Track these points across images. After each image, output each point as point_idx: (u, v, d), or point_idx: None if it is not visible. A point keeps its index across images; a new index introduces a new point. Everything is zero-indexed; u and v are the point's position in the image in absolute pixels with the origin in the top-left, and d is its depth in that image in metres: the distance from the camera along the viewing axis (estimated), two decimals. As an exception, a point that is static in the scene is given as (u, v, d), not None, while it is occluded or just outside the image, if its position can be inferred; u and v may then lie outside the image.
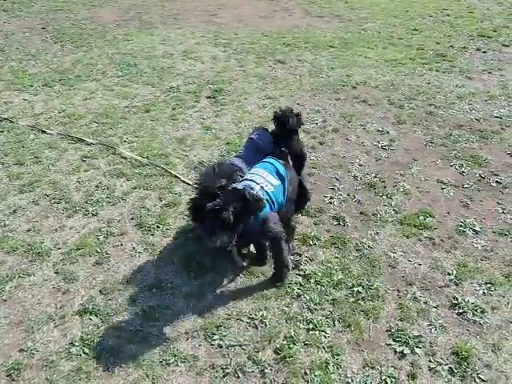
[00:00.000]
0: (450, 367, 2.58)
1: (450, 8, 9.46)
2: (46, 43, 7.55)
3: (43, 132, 4.89)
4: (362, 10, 9.47)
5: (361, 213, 3.74)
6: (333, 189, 4.04)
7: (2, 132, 4.92)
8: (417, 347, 2.68)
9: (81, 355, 2.66)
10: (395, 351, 2.67)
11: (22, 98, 5.71)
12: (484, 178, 4.16)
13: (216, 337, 2.75)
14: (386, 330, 2.79)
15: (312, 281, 3.11)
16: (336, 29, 8.29)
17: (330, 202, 3.87)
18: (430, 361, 2.62)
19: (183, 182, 4.10)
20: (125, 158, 4.43)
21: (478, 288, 3.05)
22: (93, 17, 8.92)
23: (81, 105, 5.53)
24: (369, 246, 3.40)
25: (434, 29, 8.24)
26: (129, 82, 6.14)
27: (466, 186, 4.06)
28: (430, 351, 2.67)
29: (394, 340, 2.73)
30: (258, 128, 3.82)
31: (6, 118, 5.14)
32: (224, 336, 2.76)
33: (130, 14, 9.12)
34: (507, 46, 7.39)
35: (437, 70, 6.48)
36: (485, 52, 7.14)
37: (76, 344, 2.71)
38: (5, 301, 3.00)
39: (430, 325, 2.82)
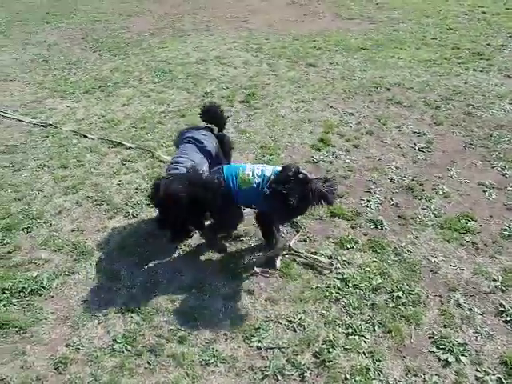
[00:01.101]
0: (499, 377, 2.51)
1: (486, 5, 9.21)
2: (85, 52, 7.77)
3: (85, 137, 5.03)
4: (393, 10, 9.35)
5: (399, 216, 3.69)
6: (369, 192, 4.00)
7: (47, 137, 5.10)
8: (462, 355, 2.62)
9: (123, 352, 2.73)
10: (439, 359, 2.62)
11: (65, 104, 5.90)
12: (529, 179, 4.04)
13: (255, 339, 2.77)
14: (429, 337, 2.74)
15: (350, 285, 3.09)
16: (367, 31, 8.22)
17: (367, 206, 3.83)
18: (476, 370, 2.55)
19: None
20: (162, 162, 4.50)
21: (526, 294, 2.96)
22: (129, 26, 9.14)
23: (119, 110, 5.67)
24: (408, 250, 3.35)
25: (469, 27, 8.05)
26: (164, 88, 6.25)
27: (509, 188, 3.95)
28: (477, 360, 2.60)
29: (438, 347, 2.68)
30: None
31: (50, 124, 5.33)
32: (263, 338, 2.77)
33: (163, 22, 9.29)
34: (548, 42, 7.15)
35: (474, 70, 6.34)
36: (524, 49, 6.92)
37: (119, 341, 2.78)
38: (52, 297, 3.11)
39: (476, 332, 2.75)
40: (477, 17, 8.60)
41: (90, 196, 4.09)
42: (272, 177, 3.03)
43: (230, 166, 3.34)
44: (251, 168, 3.13)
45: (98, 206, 3.96)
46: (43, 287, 3.16)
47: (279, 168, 3.07)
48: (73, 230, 3.69)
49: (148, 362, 2.66)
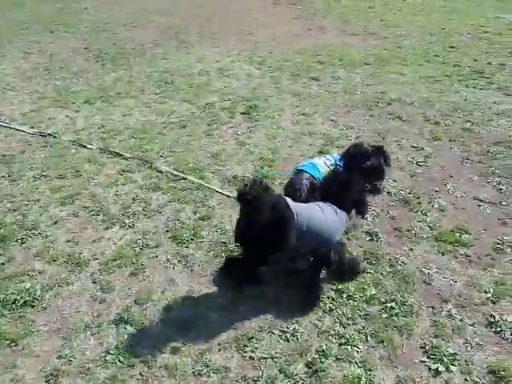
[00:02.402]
0: (487, 387, 2.51)
1: (488, 25, 9.33)
2: (88, 62, 7.88)
3: (84, 147, 5.08)
4: (398, 27, 9.47)
5: (395, 229, 3.71)
6: (366, 205, 4.02)
7: (46, 147, 5.13)
8: (452, 365, 2.63)
9: (116, 363, 2.71)
10: (429, 368, 2.63)
11: (65, 114, 5.96)
12: (524, 195, 4.07)
13: (248, 348, 2.77)
14: (420, 347, 2.75)
15: (344, 295, 3.09)
16: (371, 46, 8.32)
17: (363, 217, 3.84)
18: (465, 379, 2.56)
19: (219, 193, 4.19)
20: (161, 172, 4.55)
21: (516, 307, 2.97)
22: (133, 37, 9.27)
23: (120, 121, 5.73)
24: (403, 262, 3.36)
25: (471, 46, 8.14)
26: (166, 98, 6.32)
27: (504, 203, 3.97)
28: (466, 369, 2.61)
29: (429, 357, 2.68)
30: None
31: (49, 134, 5.36)
32: (256, 348, 2.77)
33: (168, 33, 9.42)
34: (548, 62, 7.22)
35: (474, 87, 6.40)
36: (524, 69, 7.00)
37: (111, 352, 2.77)
38: (45, 309, 3.09)
39: (466, 343, 2.76)
40: (479, 36, 8.69)
41: (86, 206, 4.11)
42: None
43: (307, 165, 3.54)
44: (321, 161, 3.55)
45: (94, 217, 3.97)
46: (36, 299, 3.15)
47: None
48: (68, 241, 3.70)
49: (141, 373, 2.65)
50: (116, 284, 3.27)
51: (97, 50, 8.44)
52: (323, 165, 3.57)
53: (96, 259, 3.50)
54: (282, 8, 11.56)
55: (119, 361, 2.73)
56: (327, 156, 3.76)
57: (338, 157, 3.67)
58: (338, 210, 3.03)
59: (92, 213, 4.02)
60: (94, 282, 3.29)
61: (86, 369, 2.69)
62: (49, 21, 10.52)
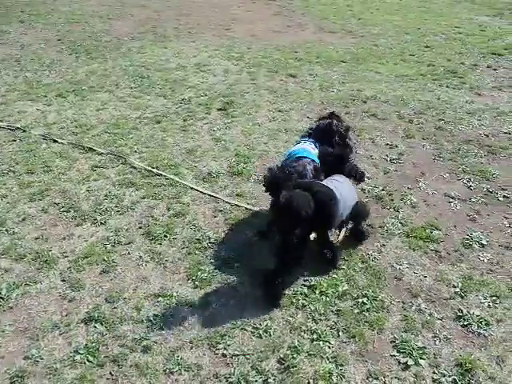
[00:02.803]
0: (454, 379, 2.56)
1: (462, 26, 9.49)
2: (61, 54, 7.72)
3: (55, 141, 4.97)
4: (375, 26, 9.55)
5: (367, 225, 3.74)
6: (340, 201, 4.04)
7: (15, 141, 5.01)
8: (421, 358, 2.67)
9: (85, 363, 2.66)
10: (399, 362, 2.66)
11: (36, 107, 5.83)
12: (491, 192, 4.15)
13: (220, 346, 2.76)
14: (391, 341, 2.78)
15: (317, 291, 3.11)
16: (348, 44, 8.37)
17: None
18: (433, 372, 2.61)
19: (195, 189, 4.16)
20: (135, 168, 4.49)
21: (483, 301, 3.04)
22: (108, 29, 9.12)
23: (93, 115, 5.63)
24: (375, 258, 3.39)
25: (445, 46, 8.27)
26: (141, 93, 6.24)
27: (473, 199, 4.05)
28: (434, 363, 2.65)
29: (398, 351, 2.72)
30: None
31: (18, 128, 5.22)
32: (228, 345, 2.76)
33: (145, 27, 9.30)
34: (518, 63, 7.40)
35: (447, 86, 6.50)
36: (495, 69, 7.17)
37: (80, 352, 2.72)
38: (11, 308, 3.02)
39: (435, 336, 2.81)
40: (453, 36, 8.84)
41: (56, 202, 4.02)
42: None
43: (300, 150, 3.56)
44: (306, 145, 3.60)
45: (64, 213, 3.90)
46: (2, 298, 3.07)
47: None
48: (37, 238, 3.61)
49: (110, 373, 2.62)
50: (86, 282, 3.21)
51: (70, 42, 8.27)
52: (310, 149, 3.59)
53: (66, 257, 3.43)
54: (260, 4, 11.53)
55: (88, 360, 2.68)
56: (301, 142, 3.72)
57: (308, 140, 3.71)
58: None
59: (62, 209, 3.94)
60: (64, 280, 3.23)
61: (54, 369, 2.64)
62: (20, 11, 10.23)
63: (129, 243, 3.56)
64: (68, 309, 3.01)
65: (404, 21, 10.00)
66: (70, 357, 2.70)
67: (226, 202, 4.00)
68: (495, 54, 7.78)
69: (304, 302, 3.04)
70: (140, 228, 3.72)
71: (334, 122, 3.73)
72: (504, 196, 4.09)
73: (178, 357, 2.69)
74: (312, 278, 3.21)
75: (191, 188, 4.18)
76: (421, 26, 9.57)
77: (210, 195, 4.09)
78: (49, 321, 2.92)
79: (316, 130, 3.76)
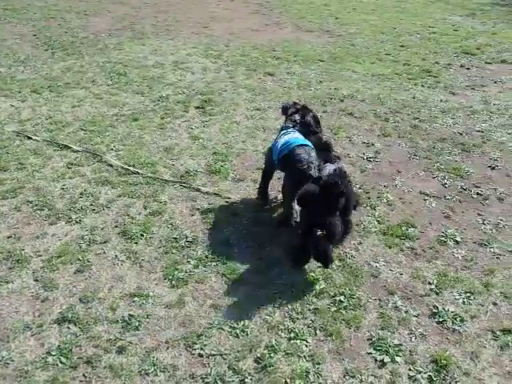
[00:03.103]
0: (430, 375, 2.60)
1: (436, 26, 9.65)
2: (36, 50, 7.54)
3: (29, 138, 4.86)
4: (352, 25, 9.62)
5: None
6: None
7: (-14, 138, 4.88)
8: (397, 356, 2.70)
9: (57, 365, 2.61)
10: (376, 360, 2.69)
11: (10, 103, 5.68)
12: (465, 189, 4.24)
13: (197, 346, 2.73)
14: (367, 339, 2.80)
15: (294, 290, 3.11)
16: (325, 43, 8.41)
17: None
18: (409, 369, 2.64)
19: (172, 183, 4.16)
20: (111, 166, 4.41)
21: (457, 297, 3.09)
22: (85, 25, 8.96)
23: (69, 112, 5.52)
24: (352, 256, 3.42)
25: (420, 46, 8.39)
26: (118, 90, 6.15)
27: (447, 197, 4.13)
28: (410, 360, 2.68)
29: (375, 349, 2.74)
30: None
31: (-9, 124, 5.10)
32: (205, 345, 2.74)
33: (122, 23, 9.17)
34: (490, 63, 7.57)
35: (422, 85, 6.60)
36: (468, 69, 7.32)
37: (53, 353, 2.66)
38: (-19, 309, 2.94)
39: (411, 333, 2.84)
40: (427, 36, 8.98)
41: (30, 200, 3.93)
42: None
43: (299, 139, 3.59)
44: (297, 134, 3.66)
45: (38, 212, 3.81)
46: (-29, 299, 2.99)
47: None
48: (9, 237, 3.52)
49: (83, 375, 2.56)
50: (60, 282, 3.15)
51: (46, 38, 8.10)
52: (302, 136, 3.65)
53: (39, 256, 3.36)
54: (239, 3, 11.49)
55: (61, 362, 2.63)
56: (289, 132, 3.73)
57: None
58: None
59: (36, 207, 3.85)
60: (36, 280, 3.15)
61: (25, 371, 2.57)
62: (-7, 5, 10.00)
63: (104, 242, 3.51)
64: (40, 309, 2.94)
65: (380, 20, 10.11)
66: (42, 358, 2.64)
67: (205, 193, 4.04)
68: (468, 53, 7.95)
69: (281, 300, 3.03)
70: (116, 227, 3.66)
71: (314, 113, 3.91)
72: (477, 193, 4.17)
73: (154, 357, 2.66)
74: (290, 277, 3.21)
75: (166, 181, 4.17)
76: (396, 25, 9.69)
77: (189, 186, 4.12)
78: (20, 321, 2.85)
79: (301, 121, 3.83)
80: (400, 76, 6.93)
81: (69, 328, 2.82)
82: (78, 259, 3.33)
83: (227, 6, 11.16)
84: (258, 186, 3.98)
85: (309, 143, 3.56)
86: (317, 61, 7.48)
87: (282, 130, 3.81)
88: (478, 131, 5.31)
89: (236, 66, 7.11)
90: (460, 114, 5.73)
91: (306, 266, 3.30)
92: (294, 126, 3.79)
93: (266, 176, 3.88)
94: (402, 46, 8.32)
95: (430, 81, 6.77)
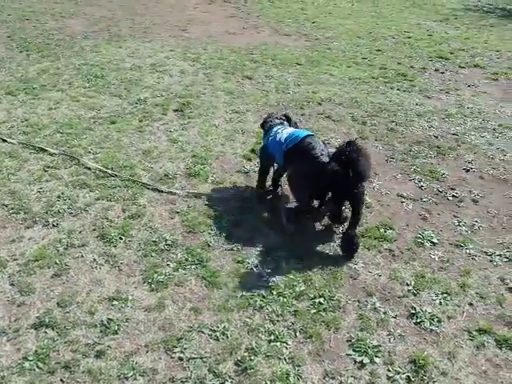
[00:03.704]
0: (408, 376, 2.63)
1: (411, 31, 9.84)
2: (11, 52, 7.39)
3: (4, 141, 4.75)
4: (328, 30, 9.73)
5: (324, 225, 3.80)
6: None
7: (-40, 140, 4.75)
8: (376, 357, 2.73)
9: (34, 370, 2.56)
10: (355, 361, 2.71)
11: (-17, 106, 5.56)
12: (441, 191, 4.32)
13: (177, 349, 2.72)
14: (347, 341, 2.83)
15: (274, 292, 3.12)
16: (303, 47, 8.48)
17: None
18: (388, 370, 2.67)
19: (151, 188, 4.12)
20: (89, 169, 4.36)
21: (434, 298, 3.15)
22: (61, 27, 8.81)
23: (45, 114, 5.42)
24: (331, 258, 3.45)
25: (395, 50, 8.54)
26: (95, 93, 6.07)
27: (424, 199, 4.20)
28: (389, 360, 2.72)
29: (354, 350, 2.77)
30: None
31: (-36, 127, 4.97)
32: (185, 349, 2.73)
33: (99, 26, 9.05)
34: (463, 67, 7.76)
35: (398, 89, 6.72)
36: (443, 73, 7.48)
37: (30, 358, 2.61)
38: (-45, 314, 2.86)
39: (389, 334, 2.88)
40: (403, 41, 9.15)
41: (5, 204, 3.85)
42: None
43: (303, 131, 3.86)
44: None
45: (14, 215, 3.73)
46: None
47: None
48: (-17, 241, 3.45)
49: (61, 380, 2.52)
50: (37, 286, 3.09)
51: (21, 40, 7.93)
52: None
53: (15, 260, 3.29)
54: (216, 6, 11.49)
55: (38, 367, 2.58)
56: (285, 127, 4.01)
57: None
58: None
59: (12, 211, 3.77)
60: (13, 285, 3.09)
61: (1, 377, 2.52)
62: (-35, 5, 9.77)
63: (82, 246, 3.46)
64: (17, 314, 2.89)
65: (356, 25, 10.25)
66: (19, 364, 2.59)
67: (185, 195, 4.08)
68: (442, 57, 8.13)
69: (261, 303, 3.04)
70: (94, 230, 3.62)
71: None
72: (453, 195, 4.27)
73: (133, 361, 2.64)
74: (269, 279, 3.23)
75: (144, 185, 4.14)
76: (372, 30, 9.84)
77: (167, 192, 4.10)
78: (-5, 327, 2.79)
79: (288, 118, 4.20)
80: (376, 80, 7.04)
81: (46, 333, 2.77)
82: (56, 263, 3.28)
83: (205, 9, 11.14)
84: (256, 184, 4.24)
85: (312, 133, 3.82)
86: (294, 64, 7.53)
87: (272, 127, 4.00)
88: (453, 134, 5.43)
89: (214, 69, 7.11)
90: (435, 117, 5.86)
91: (286, 269, 3.32)
92: (282, 123, 4.06)
93: (264, 172, 4.14)
94: (378, 50, 8.46)
95: (405, 84, 6.90)
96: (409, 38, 9.35)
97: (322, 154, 3.53)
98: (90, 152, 4.69)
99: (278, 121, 4.09)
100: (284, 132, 3.84)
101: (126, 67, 7.00)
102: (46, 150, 4.60)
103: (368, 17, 11.15)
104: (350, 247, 3.44)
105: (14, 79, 6.34)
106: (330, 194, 3.62)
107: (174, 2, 11.45)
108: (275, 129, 3.95)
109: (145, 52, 7.72)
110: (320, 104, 6.09)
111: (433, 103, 6.29)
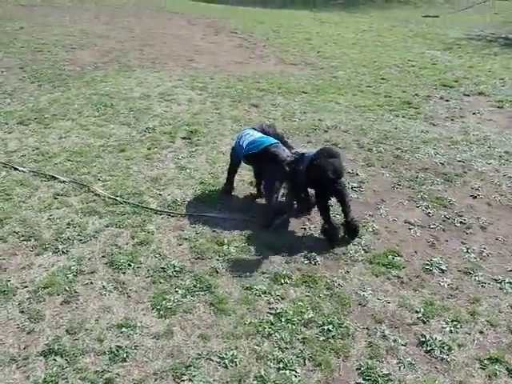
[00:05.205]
0: (419, 405, 2.60)
1: (415, 60, 10.02)
2: (23, 82, 7.59)
3: (15, 169, 4.84)
4: (333, 59, 9.93)
5: (331, 252, 3.81)
6: (304, 228, 4.11)
7: (-27, 169, 4.84)
8: (386, 385, 2.69)
9: (44, 398, 2.55)
10: (365, 390, 2.68)
11: (-4, 135, 5.68)
12: (449, 218, 4.32)
13: (185, 377, 2.70)
14: (356, 369, 2.80)
15: (283, 319, 3.11)
16: (308, 76, 8.65)
17: (302, 241, 3.93)
18: (399, 399, 2.63)
19: (160, 212, 4.16)
20: (98, 196, 4.42)
21: (444, 325, 3.11)
22: (72, 59, 9.06)
23: (55, 143, 5.53)
24: (339, 285, 3.44)
25: (400, 78, 8.69)
26: (105, 121, 6.19)
27: (431, 226, 4.20)
28: (399, 389, 2.68)
29: (364, 379, 2.73)
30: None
31: (-23, 155, 5.08)
32: (193, 376, 2.71)
33: (109, 57, 9.30)
34: (468, 95, 7.86)
35: (403, 117, 6.81)
36: (447, 100, 7.58)
37: (39, 386, 2.60)
38: (-35, 341, 2.87)
39: (399, 362, 2.84)
40: (407, 69, 9.31)
41: (16, 231, 3.89)
42: None
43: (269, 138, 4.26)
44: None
45: (24, 242, 3.77)
46: (-44, 329, 2.92)
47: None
48: (-6, 268, 3.47)
49: (70, 408, 2.53)
50: (46, 313, 3.10)
51: (33, 71, 8.15)
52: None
53: (25, 287, 3.31)
54: (223, 37, 11.79)
55: (47, 396, 2.57)
56: (251, 132, 4.43)
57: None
58: None
59: (22, 238, 3.81)
60: (22, 312, 3.10)
61: (10, 406, 2.51)
62: (-20, 39, 10.08)
63: (92, 272, 3.48)
64: (26, 341, 2.89)
65: (360, 54, 10.46)
66: (28, 392, 2.58)
67: (194, 221, 4.16)
68: (446, 86, 8.26)
69: (270, 330, 3.03)
70: (103, 257, 3.64)
71: None
72: (461, 222, 4.27)
73: (142, 390, 2.62)
74: (278, 306, 3.22)
75: (154, 211, 4.17)
76: (376, 59, 10.04)
77: (177, 214, 4.21)
78: (5, 354, 2.79)
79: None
80: (381, 107, 7.14)
81: (55, 360, 2.77)
82: (65, 290, 3.29)
83: (211, 40, 11.43)
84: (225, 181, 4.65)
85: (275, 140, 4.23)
86: (300, 92, 7.67)
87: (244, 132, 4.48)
88: (459, 161, 5.47)
89: (221, 98, 7.24)
90: (441, 144, 5.91)
91: (294, 296, 3.32)
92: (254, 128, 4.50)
93: (231, 171, 4.60)
94: (383, 79, 8.60)
95: (410, 112, 6.99)
96: (413, 66, 9.51)
97: (285, 161, 4.02)
98: (99, 179, 4.76)
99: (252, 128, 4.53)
100: (248, 138, 4.29)
101: (134, 96, 7.15)
102: (57, 178, 4.68)
103: (372, 46, 11.39)
104: (353, 230, 3.93)
105: (26, 109, 6.49)
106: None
107: (182, 33, 11.78)
108: (245, 133, 4.43)
109: (153, 81, 7.90)
110: (326, 131, 6.17)
111: (438, 130, 6.35)
